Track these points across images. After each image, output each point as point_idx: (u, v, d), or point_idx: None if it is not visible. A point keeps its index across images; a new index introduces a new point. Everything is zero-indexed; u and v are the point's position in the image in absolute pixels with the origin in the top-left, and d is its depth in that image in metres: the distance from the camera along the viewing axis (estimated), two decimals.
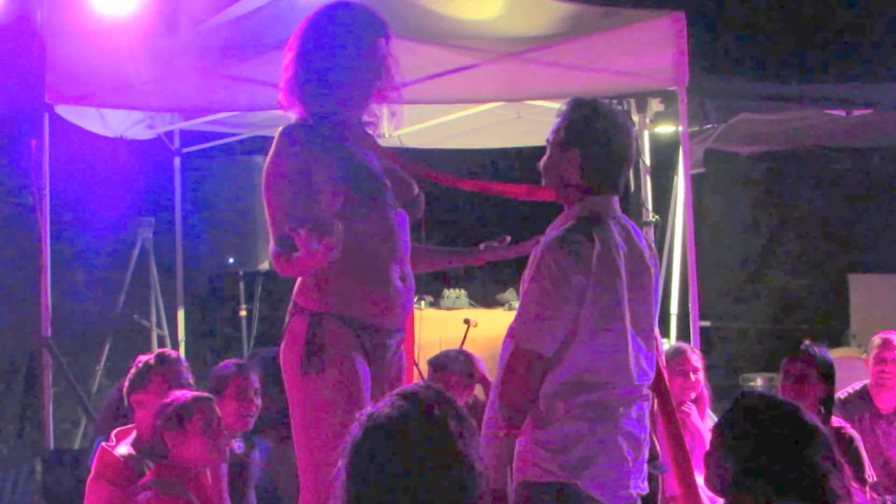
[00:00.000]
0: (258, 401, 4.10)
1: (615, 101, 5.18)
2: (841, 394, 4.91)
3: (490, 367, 4.87)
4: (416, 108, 5.79)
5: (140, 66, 5.07)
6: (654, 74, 5.19)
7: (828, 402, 4.25)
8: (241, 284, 7.08)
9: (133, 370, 3.82)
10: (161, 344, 6.77)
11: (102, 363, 6.66)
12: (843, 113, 6.46)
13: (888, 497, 4.51)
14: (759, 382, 7.15)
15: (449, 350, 5.12)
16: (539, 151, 3.07)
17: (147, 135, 6.58)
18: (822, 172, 9.34)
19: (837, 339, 7.48)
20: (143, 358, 3.87)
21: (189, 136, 7.03)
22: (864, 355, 5.91)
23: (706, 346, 5.44)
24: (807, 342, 4.33)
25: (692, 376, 4.57)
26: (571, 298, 2.80)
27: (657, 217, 6.07)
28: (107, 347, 6.69)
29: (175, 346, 6.78)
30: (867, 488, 4.16)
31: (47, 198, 5.23)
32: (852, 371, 5.41)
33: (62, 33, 5.25)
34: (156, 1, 5.45)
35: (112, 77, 5.18)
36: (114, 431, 3.76)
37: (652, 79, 5.25)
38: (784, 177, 9.46)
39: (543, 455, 2.81)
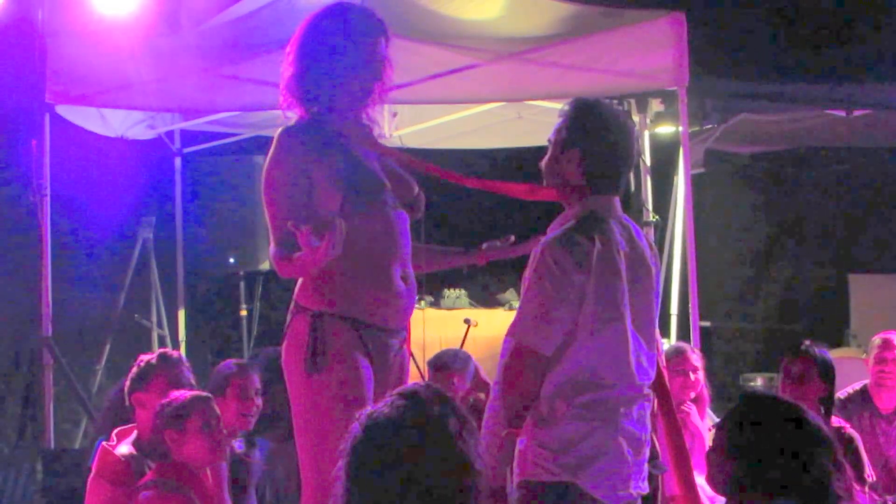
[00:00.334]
0: (259, 401, 4.10)
1: (616, 102, 5.19)
2: (841, 394, 4.92)
3: (490, 368, 4.87)
4: (417, 109, 5.80)
5: (141, 66, 5.08)
6: (655, 75, 5.19)
7: (827, 402, 4.26)
8: (242, 284, 7.08)
9: (134, 370, 3.82)
10: (161, 344, 6.77)
11: (103, 363, 6.65)
12: (843, 113, 6.46)
13: (888, 497, 4.51)
14: (759, 382, 7.15)
15: (447, 349, 5.12)
16: (539, 151, 3.07)
17: (148, 135, 6.58)
18: (822, 173, 9.34)
19: (837, 339, 7.48)
20: (144, 357, 3.87)
21: (190, 137, 7.03)
22: (864, 355, 5.91)
23: (706, 346, 5.44)
24: (807, 342, 4.34)
25: (692, 376, 4.57)
26: (572, 298, 2.80)
27: (657, 217, 6.07)
28: (107, 347, 6.69)
29: (175, 345, 6.78)
30: (867, 488, 4.16)
31: (48, 198, 5.24)
32: (852, 371, 5.41)
33: (63, 33, 5.25)
34: (156, 1, 5.46)
35: (113, 77, 5.19)
36: (114, 431, 3.76)
37: (652, 79, 5.25)
38: (784, 177, 9.46)
39: (544, 454, 2.82)
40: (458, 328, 5.85)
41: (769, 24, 9.08)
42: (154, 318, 6.90)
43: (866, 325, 7.17)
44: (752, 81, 6.69)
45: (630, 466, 2.87)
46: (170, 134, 6.90)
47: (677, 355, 4.60)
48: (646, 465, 2.94)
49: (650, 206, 6.03)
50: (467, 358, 4.95)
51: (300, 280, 3.19)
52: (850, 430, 4.32)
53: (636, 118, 5.75)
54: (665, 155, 6.40)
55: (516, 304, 6.35)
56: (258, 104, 5.49)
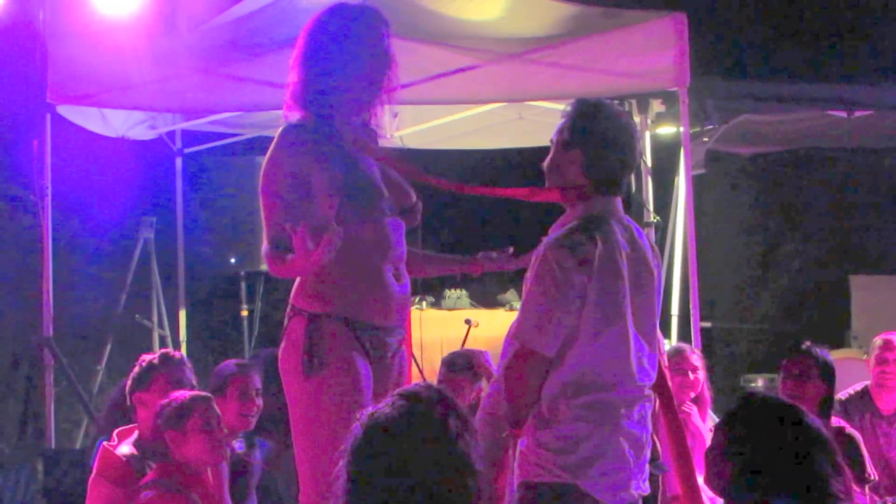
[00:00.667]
0: (259, 401, 4.10)
1: (617, 102, 5.19)
2: (842, 395, 4.92)
3: None
4: (418, 109, 5.80)
5: (142, 66, 5.08)
6: (656, 75, 5.19)
7: (827, 403, 4.26)
8: (243, 284, 7.09)
9: (136, 369, 3.83)
10: (162, 344, 6.77)
11: (104, 363, 6.66)
12: (844, 114, 6.46)
13: (888, 498, 4.51)
14: (759, 383, 7.15)
15: (463, 351, 5.09)
16: (540, 152, 3.07)
17: (149, 135, 6.58)
18: (823, 173, 9.33)
19: (838, 340, 7.48)
20: (146, 357, 3.87)
21: (190, 137, 7.03)
22: (864, 356, 5.91)
23: (707, 347, 5.44)
24: (807, 343, 4.34)
25: (691, 375, 4.57)
26: (574, 299, 2.80)
27: (658, 218, 6.07)
28: (108, 347, 6.70)
29: (176, 346, 6.78)
30: (867, 489, 4.16)
31: (49, 198, 5.24)
32: (853, 372, 5.41)
33: (64, 33, 5.25)
34: (157, 1, 5.46)
35: (114, 77, 5.19)
36: (115, 431, 3.76)
37: (653, 80, 5.25)
38: (785, 178, 9.45)
39: (545, 455, 2.82)
40: (459, 329, 5.86)
41: (770, 25, 9.09)
42: (155, 318, 6.91)
43: (867, 325, 7.17)
44: (753, 82, 6.70)
45: (631, 467, 2.87)
46: (171, 134, 6.91)
47: (677, 355, 4.61)
48: (647, 466, 2.94)
49: (651, 207, 6.03)
50: (482, 362, 4.92)
51: (297, 282, 3.19)
52: (851, 430, 4.32)
53: (637, 119, 5.75)
54: (666, 155, 6.40)
55: (517, 305, 6.39)
56: (259, 104, 5.49)
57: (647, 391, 2.95)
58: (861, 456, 4.19)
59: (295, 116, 3.23)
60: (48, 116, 5.23)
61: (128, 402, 3.83)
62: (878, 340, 5.05)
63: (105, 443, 3.71)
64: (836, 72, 8.24)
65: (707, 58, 5.91)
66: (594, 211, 2.91)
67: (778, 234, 9.65)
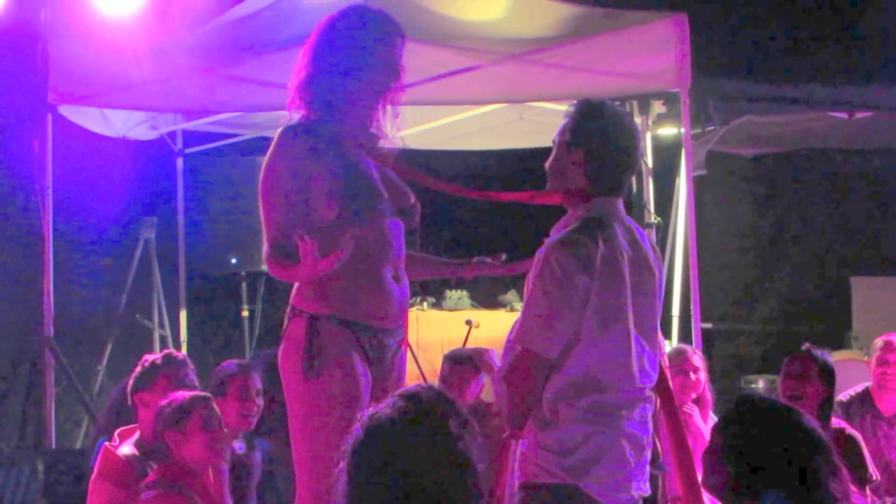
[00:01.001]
0: (260, 401, 4.10)
1: (618, 103, 5.18)
2: (842, 396, 4.92)
3: None
4: (419, 110, 5.79)
5: (143, 66, 5.08)
6: (657, 76, 5.19)
7: (828, 405, 4.25)
8: (244, 285, 7.09)
9: (139, 369, 3.82)
10: (163, 344, 6.78)
11: (104, 363, 6.66)
12: (845, 115, 6.46)
13: (888, 499, 4.51)
14: (760, 384, 7.15)
15: (467, 348, 5.09)
16: (542, 152, 3.07)
17: (150, 135, 6.59)
18: (824, 175, 9.33)
19: (839, 342, 7.47)
20: (149, 357, 3.87)
21: (191, 137, 7.04)
22: (865, 358, 5.91)
23: (708, 348, 5.44)
24: (807, 345, 4.34)
25: (692, 376, 4.57)
26: (575, 301, 2.79)
27: (659, 219, 6.07)
28: (109, 347, 6.70)
29: (177, 346, 6.79)
30: (868, 490, 4.16)
31: (50, 198, 5.24)
32: (854, 373, 5.41)
33: (65, 34, 5.25)
34: (159, 1, 5.46)
35: (115, 77, 5.20)
36: (117, 431, 3.76)
37: (654, 80, 5.25)
38: (786, 179, 9.45)
39: (546, 456, 2.82)
40: (460, 329, 5.86)
41: (772, 25, 9.08)
42: (156, 319, 6.91)
43: (868, 327, 7.16)
44: (754, 83, 6.69)
45: (632, 468, 2.87)
46: (172, 134, 6.91)
47: (678, 356, 4.61)
48: (647, 467, 2.94)
49: (652, 208, 6.03)
50: (488, 359, 4.92)
51: (297, 283, 3.19)
52: (852, 431, 4.32)
53: (638, 120, 5.75)
54: (667, 156, 6.41)
55: (518, 306, 6.39)
56: (260, 105, 5.50)
57: (648, 392, 2.95)
58: (862, 457, 4.19)
59: (296, 115, 3.23)
60: (49, 116, 5.24)
61: (129, 402, 3.83)
62: (878, 342, 5.05)
63: (106, 443, 3.70)
64: (838, 73, 8.24)
65: (708, 59, 5.90)
66: (596, 212, 2.90)
67: (779, 235, 9.64)
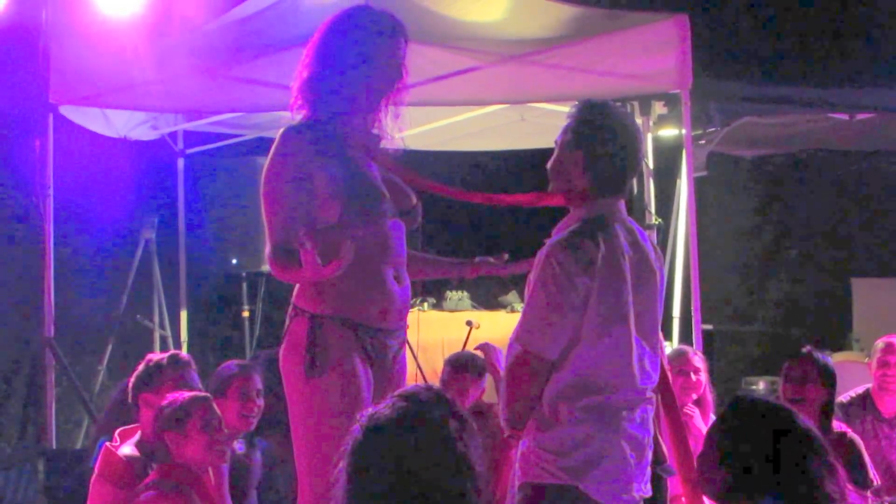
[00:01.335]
0: (260, 402, 4.10)
1: (619, 104, 5.18)
2: (843, 398, 4.91)
3: None
4: (420, 111, 5.79)
5: (144, 66, 5.08)
6: (658, 77, 5.19)
7: (829, 407, 4.25)
8: (244, 285, 7.09)
9: (143, 369, 3.80)
10: (163, 344, 6.78)
11: (105, 363, 6.66)
12: (846, 117, 6.45)
13: (886, 499, 4.50)
14: (761, 386, 7.14)
15: (468, 352, 5.10)
16: (542, 153, 3.07)
17: (151, 135, 6.59)
18: (825, 176, 9.33)
19: (840, 343, 7.47)
20: (154, 358, 3.85)
21: (193, 137, 7.04)
22: (866, 359, 5.90)
23: (708, 350, 5.43)
24: (808, 347, 4.34)
25: (693, 377, 4.57)
26: (576, 302, 2.80)
27: (660, 220, 6.07)
28: (109, 348, 6.70)
29: (177, 346, 6.78)
30: (869, 493, 4.15)
31: (51, 198, 5.25)
32: (855, 375, 5.41)
33: (67, 34, 5.26)
34: (160, 2, 5.46)
35: (116, 78, 5.20)
36: (117, 432, 3.76)
37: (655, 82, 5.25)
38: (787, 180, 9.45)
39: (546, 457, 2.82)
40: (461, 330, 5.85)
41: (773, 27, 9.09)
42: (156, 319, 6.91)
43: (869, 329, 7.16)
44: (755, 84, 6.70)
45: (632, 470, 2.86)
46: (173, 135, 6.91)
47: (679, 356, 4.61)
48: (648, 468, 2.94)
49: (653, 209, 6.03)
50: (484, 367, 4.92)
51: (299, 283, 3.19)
52: (853, 435, 4.32)
53: (639, 121, 5.74)
54: (668, 158, 6.40)
55: (518, 307, 6.40)
56: (261, 105, 5.50)
57: (649, 393, 2.95)
58: (863, 461, 4.19)
59: (298, 115, 3.23)
60: (50, 117, 5.24)
61: (130, 402, 3.83)
62: (879, 344, 5.04)
63: (107, 443, 3.70)
64: (839, 75, 8.25)
65: (709, 60, 5.91)
66: (597, 213, 2.91)
67: (780, 236, 9.64)
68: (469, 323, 5.85)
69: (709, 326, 6.91)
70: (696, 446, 4.13)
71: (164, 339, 6.89)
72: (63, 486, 4.60)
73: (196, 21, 5.58)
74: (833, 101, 6.37)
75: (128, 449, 3.62)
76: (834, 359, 4.45)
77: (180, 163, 7.01)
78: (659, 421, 3.08)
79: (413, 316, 5.85)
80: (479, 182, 7.67)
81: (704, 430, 4.44)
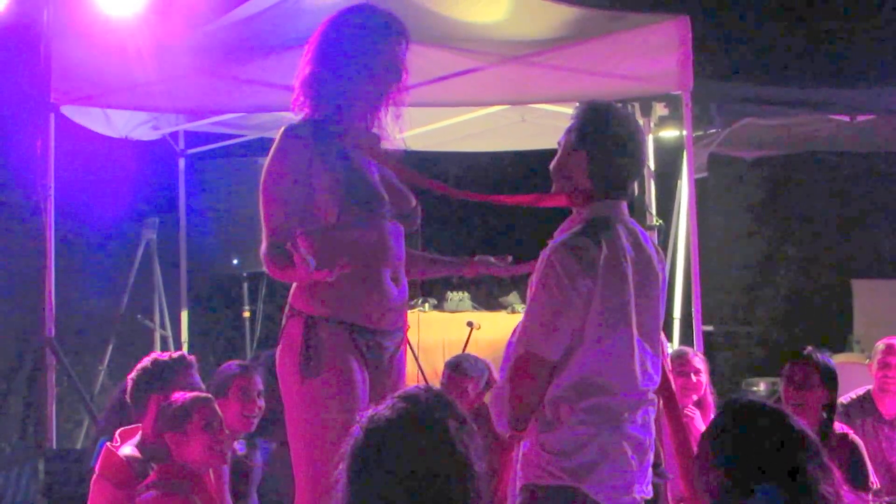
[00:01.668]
0: (261, 402, 4.09)
1: (620, 105, 5.19)
2: (844, 399, 4.91)
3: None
4: (421, 111, 5.80)
5: (145, 66, 5.08)
6: (659, 78, 5.19)
7: (830, 408, 4.25)
8: (245, 285, 7.09)
9: (150, 369, 3.76)
10: (164, 344, 6.78)
11: (105, 363, 6.67)
12: (847, 118, 6.46)
13: (886, 499, 4.50)
14: (761, 387, 7.15)
15: (468, 354, 5.10)
16: (543, 154, 3.07)
17: (152, 136, 6.59)
18: (825, 178, 9.33)
19: (841, 345, 7.47)
20: (160, 358, 3.82)
21: (194, 138, 7.05)
22: (867, 361, 5.90)
23: (709, 351, 5.44)
24: (809, 349, 4.33)
25: (694, 378, 4.57)
26: (578, 303, 2.79)
27: (661, 221, 6.08)
28: (110, 348, 6.70)
29: (178, 346, 6.78)
30: (870, 495, 4.15)
31: (52, 198, 5.24)
32: (856, 377, 5.40)
33: (68, 34, 5.26)
34: (162, 2, 5.46)
35: (117, 78, 5.20)
36: (118, 432, 3.75)
37: (657, 83, 5.25)
38: (788, 182, 9.45)
39: (548, 458, 2.81)
40: (461, 331, 5.86)
41: (774, 29, 9.08)
42: (157, 319, 6.91)
43: (870, 330, 7.16)
44: (756, 86, 6.69)
45: (634, 471, 2.86)
46: (174, 135, 6.91)
47: (679, 357, 4.61)
48: (650, 470, 2.94)
49: (653, 210, 6.04)
50: (485, 368, 4.93)
51: (295, 283, 3.19)
52: (854, 437, 4.31)
53: (640, 122, 5.75)
54: (669, 159, 6.41)
55: (519, 308, 6.39)
56: (262, 106, 5.50)
57: (651, 395, 2.95)
58: (864, 463, 4.18)
59: (300, 115, 3.23)
60: (51, 116, 5.24)
61: (133, 401, 3.81)
62: (880, 345, 5.05)
63: (108, 444, 3.70)
64: (839, 76, 8.25)
65: (710, 61, 5.92)
66: (599, 214, 2.90)
67: (780, 237, 9.64)
68: (470, 324, 5.86)
69: (709, 327, 6.92)
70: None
71: (164, 340, 6.89)
72: (63, 487, 4.60)
73: (198, 21, 5.58)
74: (834, 102, 6.37)
75: (128, 449, 3.61)
76: (834, 360, 4.45)
77: (181, 163, 7.02)
78: (659, 423, 3.08)
79: (414, 317, 5.86)
80: (480, 183, 7.67)
81: None
